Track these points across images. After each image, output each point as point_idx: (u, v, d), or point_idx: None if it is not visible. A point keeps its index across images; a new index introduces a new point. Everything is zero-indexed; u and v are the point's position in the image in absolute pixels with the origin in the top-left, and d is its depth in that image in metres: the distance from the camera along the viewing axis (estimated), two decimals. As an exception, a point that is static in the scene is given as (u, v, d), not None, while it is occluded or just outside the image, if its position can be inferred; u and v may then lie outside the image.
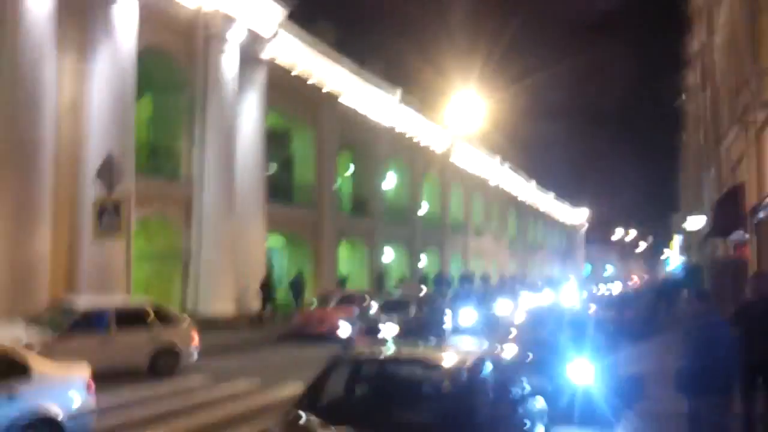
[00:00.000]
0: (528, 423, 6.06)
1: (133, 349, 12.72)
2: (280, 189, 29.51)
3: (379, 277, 32.51)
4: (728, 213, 16.56)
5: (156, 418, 9.73)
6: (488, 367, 5.58)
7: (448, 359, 5.89)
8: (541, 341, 10.89)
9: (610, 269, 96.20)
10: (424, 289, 31.07)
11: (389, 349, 6.15)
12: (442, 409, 5.08)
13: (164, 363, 13.32)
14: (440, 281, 37.59)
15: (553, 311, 13.50)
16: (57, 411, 6.70)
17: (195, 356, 14.03)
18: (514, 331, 12.87)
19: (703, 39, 26.42)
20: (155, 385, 12.37)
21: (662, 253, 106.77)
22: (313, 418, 5.15)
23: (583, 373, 10.08)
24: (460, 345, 9.01)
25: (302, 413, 5.25)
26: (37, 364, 6.95)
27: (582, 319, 13.17)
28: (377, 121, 36.14)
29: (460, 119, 38.15)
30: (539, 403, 6.70)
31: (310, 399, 5.38)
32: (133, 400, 10.94)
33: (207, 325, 20.92)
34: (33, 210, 15.98)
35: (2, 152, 15.75)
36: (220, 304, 22.10)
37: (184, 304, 22.07)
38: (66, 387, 7.09)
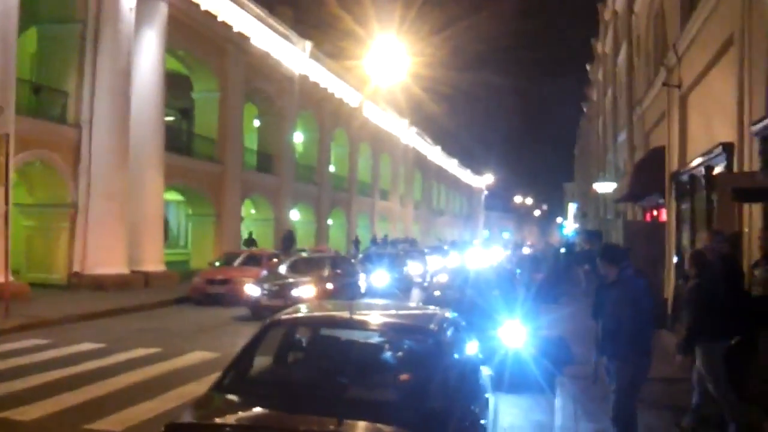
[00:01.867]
0: (487, 392, 5.31)
1: None
2: (179, 140, 27.54)
3: (287, 237, 31.23)
4: (646, 177, 16.57)
5: (43, 387, 8.39)
6: (451, 331, 4.76)
7: (410, 322, 5.02)
8: (468, 303, 10.22)
9: (506, 235, 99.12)
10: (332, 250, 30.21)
11: (337, 311, 5.17)
12: (408, 383, 4.20)
13: None
14: (355, 243, 37.03)
15: (477, 272, 12.93)
16: None
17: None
18: (437, 293, 12.24)
19: (620, 6, 26.57)
20: (38, 351, 10.85)
21: (555, 220, 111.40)
22: (240, 401, 4.12)
23: (515, 335, 9.56)
24: (404, 306, 8.18)
25: (226, 396, 4.18)
26: None
27: (509, 279, 12.71)
28: (287, 71, 34.41)
29: (374, 72, 37.02)
30: (486, 370, 5.99)
31: (234, 378, 4.30)
32: (8, 367, 9.47)
33: (96, 285, 19.26)
34: None
35: None
36: (111, 261, 20.25)
37: (71, 263, 20.07)
38: None
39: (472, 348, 5.35)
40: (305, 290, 15.69)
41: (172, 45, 24.21)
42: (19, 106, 17.18)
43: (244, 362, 4.51)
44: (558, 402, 8.05)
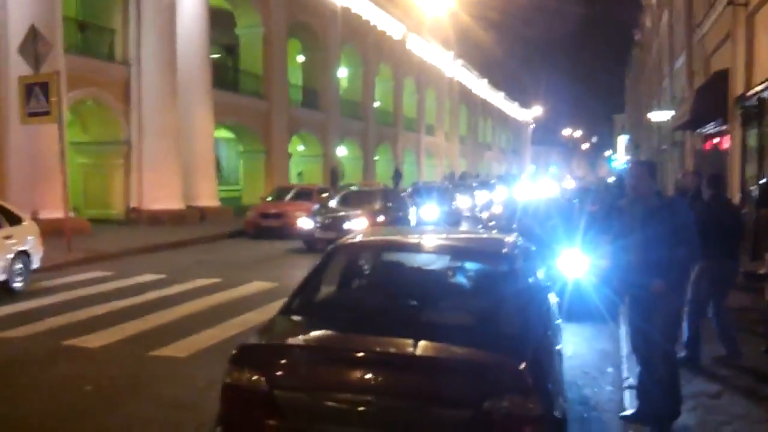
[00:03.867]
0: (558, 318, 5.18)
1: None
2: (226, 76, 27.44)
3: (334, 172, 31.29)
4: (707, 102, 15.82)
5: (107, 317, 8.61)
6: (522, 254, 4.61)
7: (480, 245, 4.88)
8: (526, 233, 10.00)
9: (554, 169, 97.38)
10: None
11: (407, 236, 5.04)
12: (482, 308, 4.07)
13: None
14: (395, 177, 36.82)
15: (533, 202, 12.66)
16: None
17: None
18: (492, 224, 12.07)
19: None
20: (101, 282, 11.17)
21: (604, 153, 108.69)
22: (311, 323, 4.08)
23: (575, 264, 9.34)
24: (470, 231, 8.03)
25: (295, 319, 4.14)
26: None
27: (568, 209, 12.40)
28: (330, 3, 33.67)
29: (418, 2, 35.96)
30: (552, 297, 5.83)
31: (302, 302, 4.24)
32: (73, 298, 9.78)
33: (153, 220, 19.69)
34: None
35: None
36: (166, 197, 20.61)
37: (128, 199, 20.52)
38: None
39: (541, 274, 5.20)
40: (357, 222, 15.68)
41: (214, -21, 23.86)
42: (67, 44, 17.27)
43: (311, 287, 4.45)
44: (622, 331, 7.89)
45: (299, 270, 12.99)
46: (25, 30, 13.70)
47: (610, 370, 6.79)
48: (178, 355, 7.04)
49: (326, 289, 4.70)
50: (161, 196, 20.44)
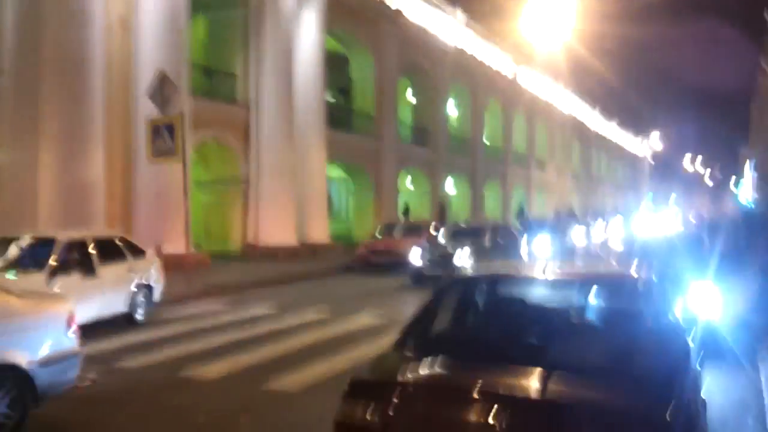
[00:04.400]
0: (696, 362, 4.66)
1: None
2: (339, 117, 28.18)
3: (441, 208, 31.14)
4: None
5: (222, 349, 8.79)
6: (656, 289, 4.20)
7: (611, 278, 4.52)
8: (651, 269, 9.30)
9: (673, 197, 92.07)
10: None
11: (524, 268, 4.76)
12: (616, 348, 3.68)
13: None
14: (519, 214, 35.99)
15: (658, 238, 11.88)
16: (19, 356, 5.17)
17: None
18: (614, 261, 11.39)
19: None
20: (217, 315, 11.49)
21: (729, 187, 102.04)
22: (424, 359, 3.84)
23: (708, 302, 8.56)
24: (594, 265, 7.56)
25: (408, 354, 3.90)
26: None
27: (696, 243, 11.54)
28: (440, 43, 34.03)
29: (531, 33, 35.52)
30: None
31: (416, 337, 4.01)
32: (190, 329, 10.08)
33: (268, 256, 20.27)
34: (85, 132, 15.08)
35: (51, 72, 14.77)
36: (281, 234, 21.23)
37: (245, 235, 21.30)
38: (34, 327, 5.50)
39: (677, 311, 4.72)
40: (464, 257, 15.37)
41: (330, 25, 24.70)
42: (193, 88, 18.31)
43: (425, 321, 4.25)
44: (763, 377, 7.08)
45: (408, 306, 12.80)
46: (153, 75, 14.64)
47: (751, 422, 6.09)
48: (289, 389, 7.00)
49: (440, 325, 4.48)
50: (276, 232, 21.07)
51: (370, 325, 10.57)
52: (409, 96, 36.01)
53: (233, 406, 6.52)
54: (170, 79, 14.31)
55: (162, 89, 14.04)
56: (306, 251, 21.73)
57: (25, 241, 9.39)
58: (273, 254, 20.43)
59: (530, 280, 4.56)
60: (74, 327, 5.90)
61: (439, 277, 13.38)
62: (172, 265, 13.41)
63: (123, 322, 10.31)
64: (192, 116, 17.05)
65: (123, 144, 16.83)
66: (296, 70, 22.42)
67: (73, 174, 14.69)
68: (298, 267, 18.58)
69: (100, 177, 15.37)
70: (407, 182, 35.13)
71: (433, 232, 19.92)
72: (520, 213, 37.21)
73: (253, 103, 21.37)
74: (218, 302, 12.94)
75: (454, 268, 14.29)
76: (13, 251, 9.14)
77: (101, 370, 7.27)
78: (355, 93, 30.20)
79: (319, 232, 23.43)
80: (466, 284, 4.72)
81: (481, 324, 4.57)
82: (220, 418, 6.13)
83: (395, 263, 17.66)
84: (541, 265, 4.69)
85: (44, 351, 5.50)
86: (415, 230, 20.45)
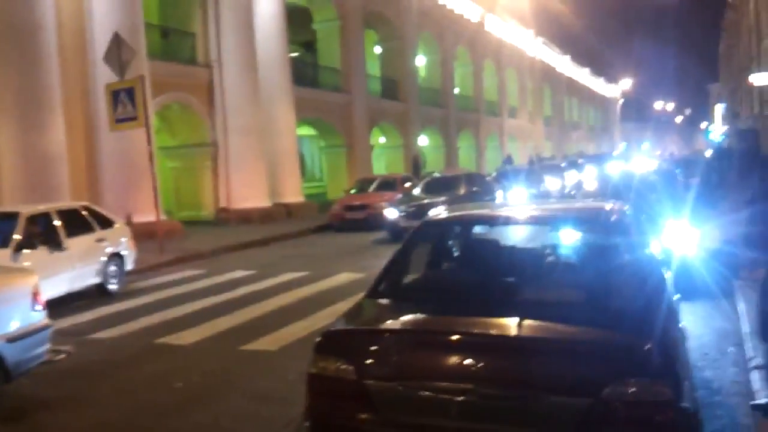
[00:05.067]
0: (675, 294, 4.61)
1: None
2: (305, 73, 27.59)
3: (415, 161, 30.95)
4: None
5: (199, 314, 8.65)
6: (631, 221, 4.12)
7: (584, 212, 4.41)
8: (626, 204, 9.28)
9: (646, 145, 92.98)
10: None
11: (497, 209, 4.63)
12: (594, 283, 3.60)
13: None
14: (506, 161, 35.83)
15: (633, 175, 11.85)
16: None
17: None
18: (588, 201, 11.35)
19: None
20: (193, 281, 11.32)
21: (700, 125, 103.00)
22: (398, 306, 3.73)
23: (683, 237, 8.58)
24: (566, 202, 7.47)
25: (382, 302, 3.80)
26: None
27: (671, 179, 11.54)
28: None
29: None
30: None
31: (389, 284, 3.90)
32: (165, 297, 9.92)
33: (242, 219, 20.01)
34: (42, 101, 14.48)
35: (1, 40, 14.13)
36: (253, 196, 20.91)
37: (217, 200, 20.96)
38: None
39: (653, 245, 4.65)
40: (440, 210, 15.27)
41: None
42: (150, 50, 17.68)
43: (398, 268, 4.14)
44: (741, 307, 7.14)
45: (386, 260, 12.78)
46: (108, 38, 14.08)
47: (731, 349, 6.15)
48: (268, 349, 6.94)
49: (414, 271, 4.37)
50: (249, 194, 20.75)
51: (349, 281, 10.49)
52: (377, 49, 35.38)
53: (211, 368, 6.43)
54: (126, 42, 13.80)
55: (119, 52, 13.54)
56: (280, 212, 21.49)
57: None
58: (247, 217, 20.17)
59: (504, 219, 4.45)
60: (41, 301, 5.69)
61: (415, 229, 13.33)
62: (143, 234, 13.15)
63: (96, 293, 10.10)
64: (152, 80, 16.51)
65: (83, 112, 16.30)
66: (257, 25, 21.75)
67: (34, 145, 14.19)
68: (274, 228, 18.37)
69: (62, 147, 14.87)
70: (380, 138, 34.79)
71: (407, 185, 19.78)
72: (508, 161, 36.98)
73: (215, 62, 20.76)
74: (193, 268, 12.75)
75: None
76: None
77: (77, 343, 7.10)
78: (320, 47, 29.55)
79: (293, 192, 23.15)
80: (439, 227, 4.60)
81: (455, 267, 4.47)
82: (198, 380, 6.05)
83: (371, 218, 17.55)
84: (514, 206, 4.57)
85: (11, 327, 5.31)
86: (390, 184, 20.28)
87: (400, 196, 17.73)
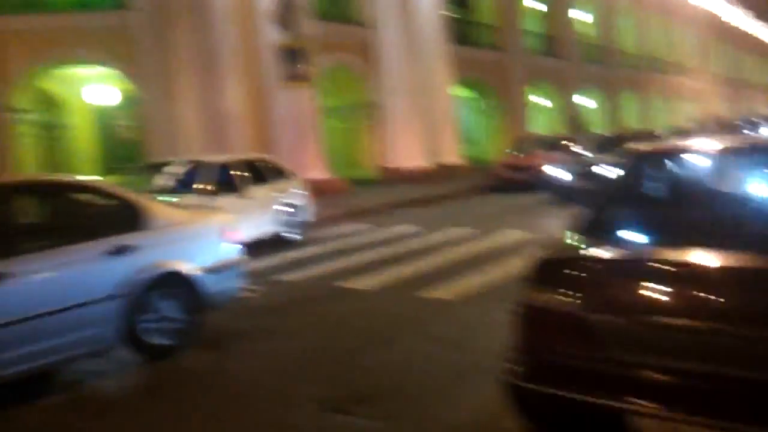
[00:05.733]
0: None
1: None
2: (459, 30, 27.02)
3: (576, 121, 29.60)
4: None
5: (373, 263, 8.79)
6: None
7: None
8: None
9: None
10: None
11: (720, 142, 4.13)
12: None
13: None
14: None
15: None
16: (182, 265, 5.33)
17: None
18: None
19: None
20: (363, 234, 11.55)
21: None
22: (622, 239, 3.35)
23: None
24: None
25: (601, 237, 3.39)
26: (156, 211, 5.43)
27: None
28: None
29: None
30: None
31: (605, 219, 3.51)
32: (339, 247, 10.17)
33: (402, 178, 20.20)
34: (217, 60, 15.33)
35: (179, 3, 15.06)
36: (413, 157, 21.01)
37: (379, 159, 21.30)
38: (197, 236, 5.69)
39: None
40: (613, 170, 14.39)
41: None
42: (315, 10, 18.03)
43: (615, 201, 3.77)
44: None
45: (554, 219, 12.28)
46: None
47: None
48: (445, 297, 6.88)
49: (626, 207, 3.99)
50: (408, 155, 20.86)
51: (519, 239, 10.18)
52: (534, 2, 33.90)
53: (390, 311, 6.51)
54: (294, 1, 14.15)
55: (286, 11, 13.93)
56: (440, 173, 21.39)
57: (176, 165, 9.72)
58: (406, 177, 20.28)
59: (729, 151, 3.93)
60: (235, 238, 5.98)
61: (586, 190, 12.68)
62: (312, 190, 13.58)
63: (272, 241, 10.57)
64: (316, 40, 16.88)
65: (255, 71, 16.97)
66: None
67: (210, 102, 15.09)
68: (435, 189, 18.29)
69: (237, 104, 15.65)
70: (535, 96, 33.55)
71: (572, 145, 18.87)
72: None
73: (373, 22, 20.88)
74: (362, 223, 13.00)
75: (601, 179, 13.45)
76: (165, 175, 9.51)
77: (260, 283, 7.46)
78: (475, 3, 28.82)
79: (451, 152, 22.97)
80: (659, 157, 4.15)
81: (677, 201, 4.01)
82: (380, 323, 6.12)
83: (533, 179, 16.90)
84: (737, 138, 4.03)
85: (208, 260, 5.63)
86: (552, 144, 19.43)
87: (566, 155, 16.95)
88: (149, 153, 15.29)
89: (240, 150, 15.02)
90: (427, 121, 21.52)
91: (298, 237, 10.91)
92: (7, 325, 4.29)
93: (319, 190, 14.23)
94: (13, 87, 16.18)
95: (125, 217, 5.22)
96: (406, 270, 8.31)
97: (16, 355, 4.36)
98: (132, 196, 5.46)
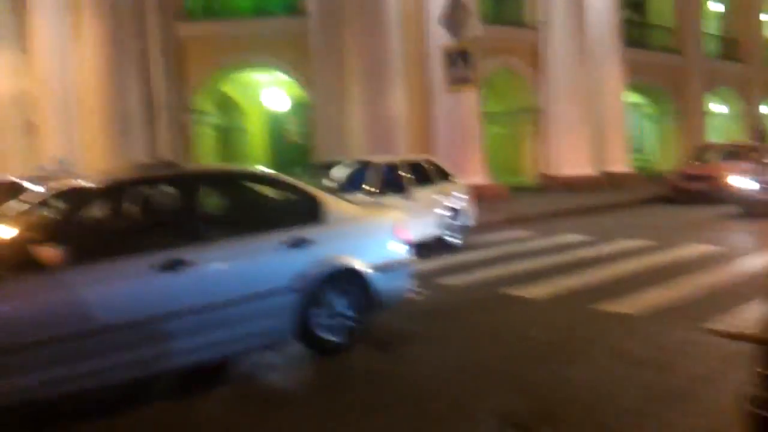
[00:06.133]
0: None
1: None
2: (632, 33, 25.52)
3: (759, 130, 26.87)
4: None
5: (539, 272, 8.34)
6: None
7: None
8: None
9: None
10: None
11: None
12: None
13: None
14: None
15: None
16: (357, 261, 5.24)
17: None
18: None
19: None
20: (525, 241, 11.07)
21: None
22: None
23: None
24: None
25: None
26: (333, 205, 5.35)
27: None
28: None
29: None
30: None
31: None
32: (502, 253, 9.77)
33: (564, 186, 19.37)
34: (385, 65, 15.54)
35: (352, 8, 15.42)
36: (577, 164, 20.07)
37: (539, 166, 20.59)
38: (368, 233, 5.58)
39: None
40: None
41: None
42: (480, 14, 17.75)
43: None
44: None
45: (743, 234, 11.18)
46: (443, 1, 14.39)
47: None
48: (625, 311, 6.28)
49: None
50: (571, 162, 19.98)
51: (705, 253, 9.23)
52: (713, 5, 31.32)
53: (563, 322, 6.05)
54: (464, 3, 13.95)
55: (455, 14, 13.76)
56: (605, 182, 20.28)
57: (344, 165, 9.84)
58: (569, 185, 19.42)
59: None
60: (405, 237, 5.83)
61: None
62: (472, 195, 13.31)
63: (434, 244, 10.40)
64: (481, 43, 16.58)
65: (420, 76, 17.04)
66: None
67: (376, 106, 15.32)
68: (600, 198, 17.33)
69: (401, 108, 15.80)
70: (712, 105, 30.92)
71: (759, 155, 17.06)
72: None
73: (542, 24, 20.20)
74: (523, 230, 12.52)
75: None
76: (333, 174, 9.65)
77: (424, 286, 7.28)
78: (650, 5, 27.07)
79: (618, 161, 21.71)
80: None
81: None
82: (553, 334, 5.69)
83: (715, 190, 15.46)
84: None
85: (380, 257, 5.51)
86: (736, 153, 17.71)
87: (750, 165, 15.33)
88: (317, 155, 15.81)
89: (403, 153, 15.13)
90: (594, 127, 20.52)
91: (459, 241, 10.68)
92: (187, 313, 4.35)
93: (478, 196, 13.90)
94: (196, 90, 17.42)
95: (304, 210, 5.23)
96: (577, 280, 7.77)
97: (194, 344, 4.40)
98: (311, 189, 5.46)
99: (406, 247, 5.85)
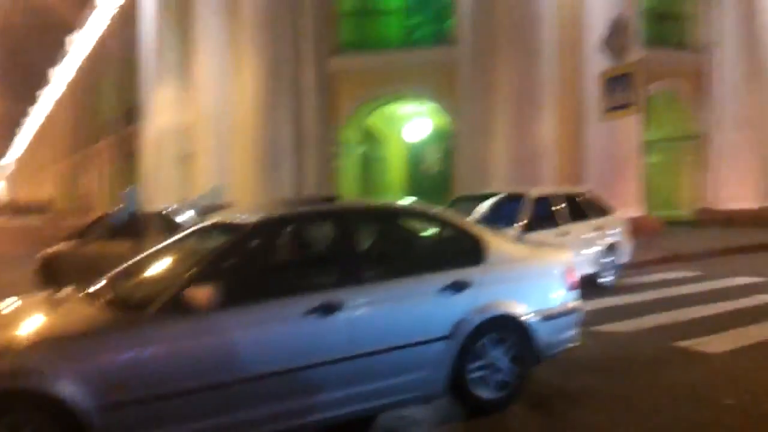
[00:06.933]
0: None
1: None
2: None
3: None
4: None
5: (712, 319, 7.41)
6: None
7: None
8: None
9: None
10: None
11: None
12: None
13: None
14: None
15: None
16: (519, 308, 4.72)
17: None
18: None
19: None
20: (688, 283, 10.01)
21: None
22: None
23: None
24: None
25: None
26: (497, 245, 4.86)
27: None
28: None
29: None
30: None
31: None
32: (664, 296, 8.84)
33: (725, 221, 17.80)
34: (536, 93, 15.00)
35: (505, 35, 15.04)
36: (741, 196, 18.28)
37: (698, 198, 18.97)
38: (534, 276, 5.02)
39: None
40: None
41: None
42: (641, 37, 16.77)
43: None
44: None
45: None
46: (602, 27, 13.64)
47: None
48: None
49: None
50: (737, 194, 18.27)
51: None
52: None
53: (763, 385, 5.18)
54: (628, 25, 13.14)
55: (618, 36, 12.99)
56: (768, 217, 18.35)
57: (492, 196, 9.38)
58: (731, 219, 17.74)
59: None
60: (575, 279, 5.27)
61: None
62: (628, 230, 12.38)
63: (586, 284, 9.63)
64: (641, 67, 15.58)
65: (572, 101, 16.26)
66: (760, 4, 18.87)
67: (524, 135, 14.80)
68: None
69: (552, 137, 15.13)
70: None
71: None
72: None
73: (708, 46, 18.72)
74: (685, 270, 11.41)
75: None
76: (480, 206, 9.20)
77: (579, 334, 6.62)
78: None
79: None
80: None
81: None
82: (751, 399, 4.87)
83: None
84: None
85: (544, 304, 4.98)
86: None
87: None
88: (456, 184, 15.47)
89: (549, 183, 14.44)
90: (763, 156, 18.62)
91: (612, 280, 9.86)
92: (336, 361, 4.02)
93: (634, 230, 12.92)
94: (343, 122, 17.79)
95: (465, 250, 4.82)
96: (761, 331, 6.80)
97: (342, 395, 4.06)
98: (472, 226, 5.08)
99: (575, 292, 5.29)
